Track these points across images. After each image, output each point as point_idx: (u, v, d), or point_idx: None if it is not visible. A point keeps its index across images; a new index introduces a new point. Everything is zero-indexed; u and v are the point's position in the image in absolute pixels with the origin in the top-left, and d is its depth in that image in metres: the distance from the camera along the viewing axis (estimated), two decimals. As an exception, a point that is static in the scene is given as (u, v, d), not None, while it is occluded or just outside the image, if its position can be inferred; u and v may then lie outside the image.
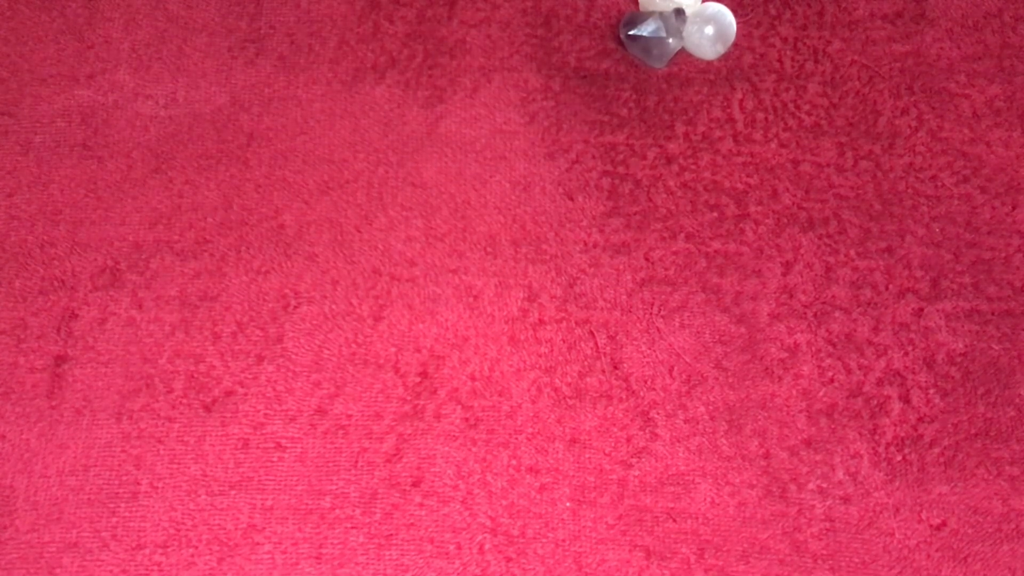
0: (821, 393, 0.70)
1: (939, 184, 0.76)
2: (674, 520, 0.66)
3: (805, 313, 0.72)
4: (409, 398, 0.69)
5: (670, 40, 0.78)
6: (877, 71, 0.80)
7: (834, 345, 0.71)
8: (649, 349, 0.71)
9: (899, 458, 0.68)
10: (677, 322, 0.72)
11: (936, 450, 0.68)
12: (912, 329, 0.71)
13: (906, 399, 0.70)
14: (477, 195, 0.76)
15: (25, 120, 0.78)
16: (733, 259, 0.73)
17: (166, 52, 0.80)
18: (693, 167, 0.76)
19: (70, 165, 0.76)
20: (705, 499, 0.67)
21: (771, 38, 0.81)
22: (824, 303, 0.72)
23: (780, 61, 0.80)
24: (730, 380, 0.70)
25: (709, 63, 0.80)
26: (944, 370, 0.70)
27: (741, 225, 0.75)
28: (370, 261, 0.73)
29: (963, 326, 0.72)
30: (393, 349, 0.70)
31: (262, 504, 0.66)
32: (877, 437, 0.68)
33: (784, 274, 0.73)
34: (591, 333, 0.71)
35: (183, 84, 0.79)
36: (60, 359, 0.70)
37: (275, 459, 0.67)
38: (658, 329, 0.71)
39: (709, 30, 0.79)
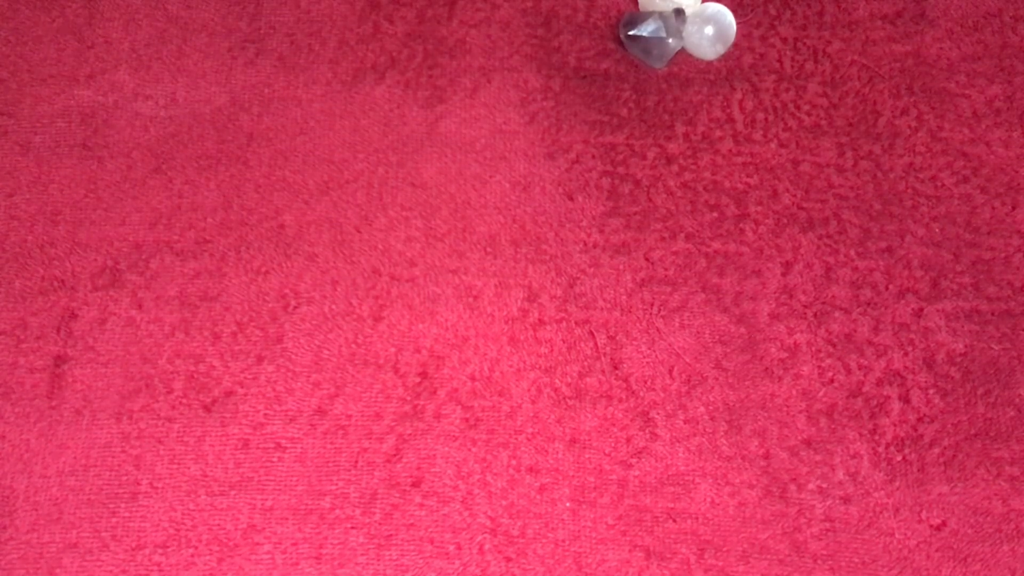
0: (821, 393, 0.70)
1: (939, 184, 0.76)
2: (674, 520, 0.66)
3: (805, 313, 0.72)
4: (409, 398, 0.69)
5: (670, 40, 0.78)
6: (877, 71, 0.80)
7: (834, 345, 0.71)
8: (649, 349, 0.71)
9: (899, 458, 0.68)
10: (677, 322, 0.72)
11: (936, 450, 0.68)
12: (912, 329, 0.71)
13: (906, 399, 0.70)
14: (477, 195, 0.76)
15: (25, 120, 0.78)
16: (733, 259, 0.73)
17: (166, 52, 0.80)
18: (693, 167, 0.76)
19: (70, 165, 0.76)
20: (705, 499, 0.67)
21: (771, 38, 0.81)
22: (824, 303, 0.72)
23: (780, 61, 0.80)
24: (730, 380, 0.70)
25: (709, 63, 0.80)
26: (944, 370, 0.70)
27: (741, 225, 0.75)
28: (370, 261, 0.73)
29: (963, 326, 0.72)
30: (393, 349, 0.70)
31: (262, 504, 0.66)
32: (877, 437, 0.68)
33: (784, 274, 0.73)
34: (591, 333, 0.71)
35: (183, 84, 0.79)
36: (60, 359, 0.70)
37: (275, 459, 0.67)
38: (658, 329, 0.71)
39: (709, 30, 0.79)
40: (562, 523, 0.66)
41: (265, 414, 0.68)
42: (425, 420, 0.69)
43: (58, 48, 0.80)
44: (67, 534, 0.65)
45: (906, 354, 0.71)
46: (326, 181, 0.76)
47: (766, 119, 0.78)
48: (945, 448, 0.68)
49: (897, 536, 0.66)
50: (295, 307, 0.72)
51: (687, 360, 0.71)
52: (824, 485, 0.67)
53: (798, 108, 0.79)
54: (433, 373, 0.70)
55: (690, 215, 0.75)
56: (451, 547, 0.65)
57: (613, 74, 0.80)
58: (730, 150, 0.77)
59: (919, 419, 0.69)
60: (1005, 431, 0.69)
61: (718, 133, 0.78)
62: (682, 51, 0.81)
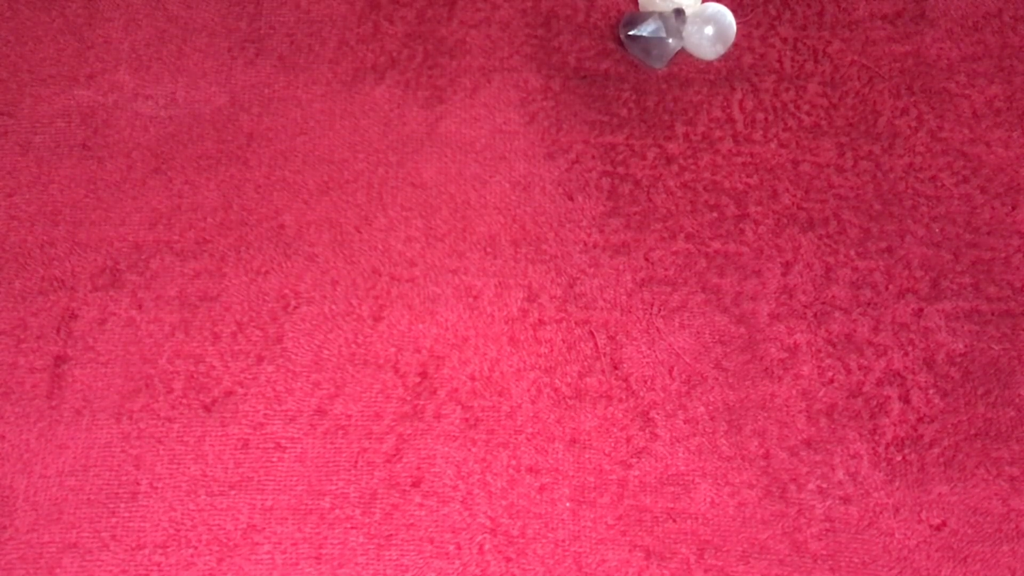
0: (821, 393, 0.70)
1: (939, 184, 0.76)
2: (674, 520, 0.66)
3: (805, 313, 0.72)
4: (409, 398, 0.69)
5: (670, 40, 0.78)
6: (877, 71, 0.80)
7: (834, 345, 0.71)
8: (649, 349, 0.71)
9: (899, 458, 0.68)
10: (677, 322, 0.72)
11: (936, 450, 0.68)
12: (912, 329, 0.71)
13: (906, 399, 0.70)
14: (477, 195, 0.76)
15: (25, 120, 0.78)
16: (733, 259, 0.73)
17: (166, 52, 0.80)
18: (693, 167, 0.76)
19: (70, 165, 0.76)
20: (705, 499, 0.67)
21: (771, 38, 0.81)
22: (824, 303, 0.72)
23: (780, 61, 0.80)
24: (730, 380, 0.70)
25: (709, 63, 0.80)
26: (944, 370, 0.70)
27: (741, 225, 0.75)
28: (370, 261, 0.73)
29: (963, 326, 0.72)
30: (393, 349, 0.70)
31: (262, 504, 0.66)
32: (877, 437, 0.68)
33: (784, 274, 0.73)
34: (591, 333, 0.71)
35: (183, 84, 0.79)
36: (60, 359, 0.70)
37: (275, 459, 0.67)
38: (658, 329, 0.71)
39: (709, 30, 0.79)
40: (562, 523, 0.66)
41: (265, 414, 0.68)
42: (425, 420, 0.69)
43: (58, 48, 0.80)
44: (67, 534, 0.65)
45: (906, 354, 0.71)
46: (326, 181, 0.76)
47: (766, 119, 0.78)
48: (945, 448, 0.68)
49: (897, 536, 0.66)
50: (295, 307, 0.72)
51: (687, 360, 0.71)
52: (824, 485, 0.67)
53: (798, 108, 0.79)
54: (433, 373, 0.70)
55: (690, 215, 0.75)
56: (451, 547, 0.65)
57: (613, 74, 0.80)
58: (730, 150, 0.77)
59: (919, 419, 0.69)
60: (1005, 431, 0.69)
61: (718, 133, 0.78)
62: (682, 51, 0.81)
